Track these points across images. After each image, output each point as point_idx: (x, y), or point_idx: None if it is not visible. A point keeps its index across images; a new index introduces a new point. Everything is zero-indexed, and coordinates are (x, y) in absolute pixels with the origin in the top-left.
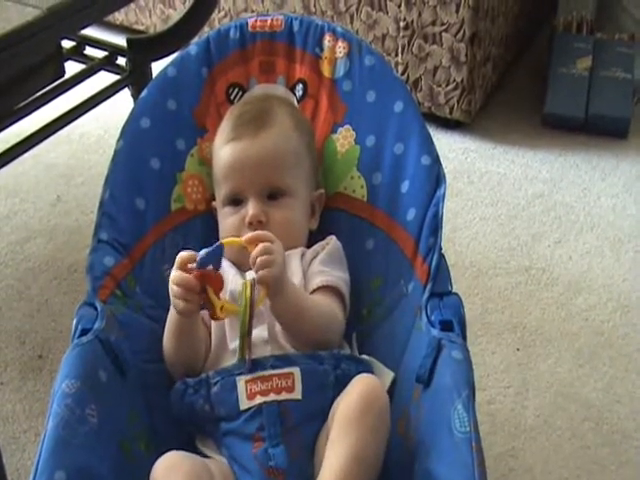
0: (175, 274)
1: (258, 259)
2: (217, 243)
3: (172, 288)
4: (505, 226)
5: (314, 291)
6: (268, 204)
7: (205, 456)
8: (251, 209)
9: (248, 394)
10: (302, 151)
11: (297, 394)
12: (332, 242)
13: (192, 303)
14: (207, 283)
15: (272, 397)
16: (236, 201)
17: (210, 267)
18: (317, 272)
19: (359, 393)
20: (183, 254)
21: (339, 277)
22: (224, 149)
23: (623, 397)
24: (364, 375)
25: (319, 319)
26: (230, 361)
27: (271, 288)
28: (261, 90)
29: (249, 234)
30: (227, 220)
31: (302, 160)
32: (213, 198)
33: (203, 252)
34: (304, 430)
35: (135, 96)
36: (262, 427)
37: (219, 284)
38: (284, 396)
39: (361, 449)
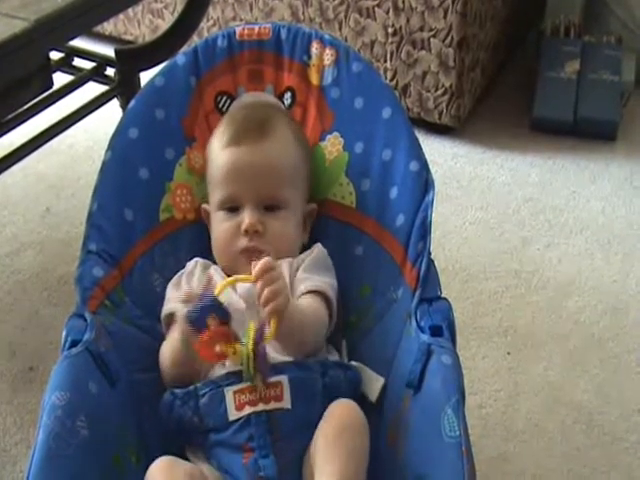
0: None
1: (266, 290)
2: (211, 295)
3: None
4: (495, 230)
5: (300, 297)
6: (265, 214)
7: None
8: (248, 217)
9: (237, 405)
10: (300, 164)
11: (286, 403)
12: (316, 249)
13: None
14: (217, 342)
15: (261, 407)
16: (232, 207)
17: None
18: (302, 279)
19: (336, 417)
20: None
21: (324, 282)
22: (224, 153)
23: (613, 399)
24: (338, 400)
25: (314, 327)
26: (219, 371)
27: (282, 317)
28: (252, 97)
29: (257, 268)
30: (221, 226)
31: (299, 173)
32: (202, 208)
33: (192, 308)
34: (293, 440)
35: (124, 106)
36: (251, 437)
37: (230, 339)
38: (273, 405)
39: (344, 472)
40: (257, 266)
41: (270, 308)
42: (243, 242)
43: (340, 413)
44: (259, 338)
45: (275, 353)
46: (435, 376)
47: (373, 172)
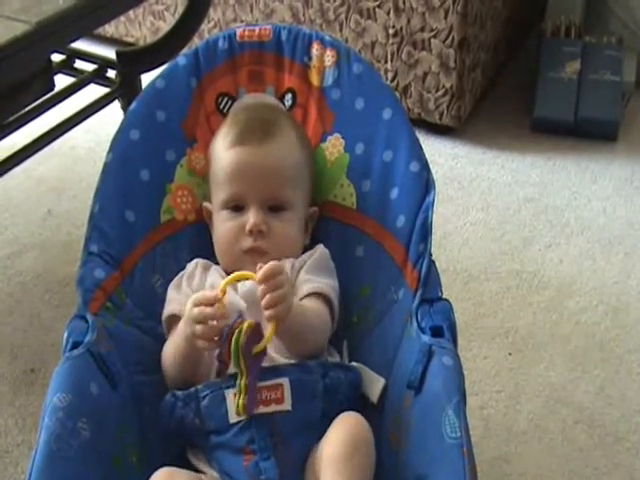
0: (198, 311)
1: (267, 296)
2: (236, 317)
3: (197, 327)
4: (496, 231)
5: (301, 299)
6: (269, 215)
7: (196, 469)
8: (253, 217)
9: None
10: (303, 165)
11: (287, 405)
12: (319, 250)
13: (216, 343)
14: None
15: (261, 409)
16: (236, 207)
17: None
18: (304, 280)
19: (345, 433)
20: (199, 296)
21: (326, 284)
22: (228, 153)
23: (615, 399)
24: (347, 413)
25: (316, 329)
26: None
27: (282, 323)
28: (253, 99)
29: (261, 272)
30: (225, 225)
31: (303, 174)
32: (203, 206)
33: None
34: (294, 442)
35: (125, 108)
36: (252, 440)
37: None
38: (273, 408)
39: None
40: (261, 270)
41: (270, 314)
42: (247, 242)
43: (350, 429)
44: (255, 338)
45: (276, 354)
46: (436, 377)
47: (374, 173)
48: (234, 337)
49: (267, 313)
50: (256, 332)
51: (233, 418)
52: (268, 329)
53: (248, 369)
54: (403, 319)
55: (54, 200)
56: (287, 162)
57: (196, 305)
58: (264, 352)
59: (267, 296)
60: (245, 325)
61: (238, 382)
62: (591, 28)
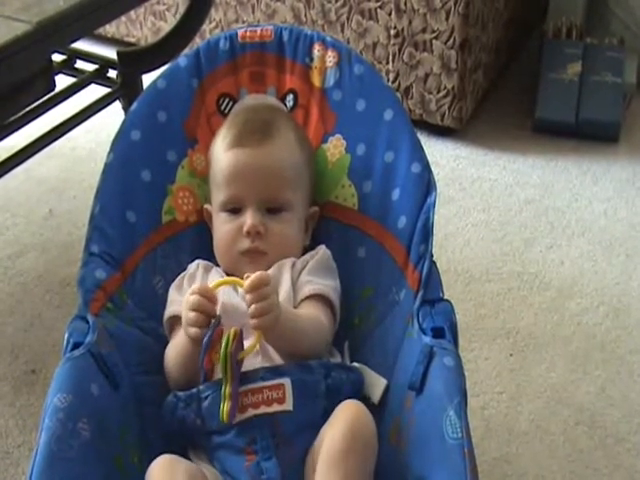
0: (193, 299)
1: (253, 306)
2: (215, 323)
3: (188, 315)
4: (497, 232)
5: (302, 300)
6: (267, 216)
7: None
8: (250, 219)
9: (239, 407)
10: (303, 166)
11: (288, 405)
12: (321, 251)
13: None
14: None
15: (263, 409)
16: (234, 209)
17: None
18: (305, 282)
19: (345, 424)
20: (198, 285)
21: (328, 285)
22: (227, 154)
23: (616, 400)
24: (349, 402)
25: (309, 335)
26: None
27: (268, 332)
28: (254, 99)
29: (248, 282)
30: (223, 227)
31: (302, 175)
32: (204, 208)
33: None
34: (296, 442)
35: (126, 109)
36: (254, 440)
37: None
38: (275, 408)
39: None
40: (248, 280)
41: (255, 324)
42: (245, 243)
43: (350, 417)
44: (239, 346)
45: (276, 355)
46: (437, 378)
47: (375, 174)
48: (223, 344)
49: (252, 322)
50: (239, 340)
51: (235, 418)
52: (252, 338)
53: (233, 376)
54: (404, 320)
55: (55, 200)
56: (286, 163)
57: (193, 294)
58: (243, 360)
59: (253, 306)
60: (232, 333)
61: (223, 389)
62: (592, 29)
